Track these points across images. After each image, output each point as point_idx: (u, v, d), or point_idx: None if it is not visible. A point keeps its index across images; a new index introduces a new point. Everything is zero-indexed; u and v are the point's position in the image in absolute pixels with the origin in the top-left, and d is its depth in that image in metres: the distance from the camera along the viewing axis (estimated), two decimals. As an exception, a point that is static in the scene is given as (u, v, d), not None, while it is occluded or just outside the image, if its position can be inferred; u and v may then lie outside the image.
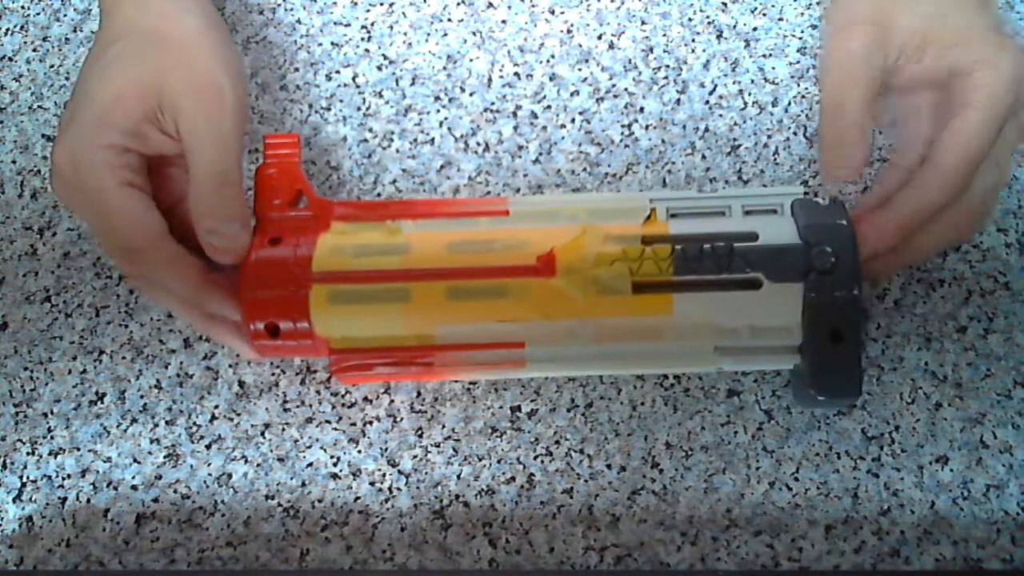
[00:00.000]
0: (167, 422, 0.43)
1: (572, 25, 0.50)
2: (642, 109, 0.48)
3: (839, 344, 0.37)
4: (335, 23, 0.51)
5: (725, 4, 0.50)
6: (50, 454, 0.43)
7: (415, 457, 0.42)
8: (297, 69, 0.50)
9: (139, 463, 0.43)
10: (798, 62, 0.49)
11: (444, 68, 0.49)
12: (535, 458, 0.42)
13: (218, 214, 0.40)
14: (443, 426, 0.43)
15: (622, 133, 0.47)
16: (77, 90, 0.41)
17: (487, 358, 0.40)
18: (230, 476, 0.42)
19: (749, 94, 0.48)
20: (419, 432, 0.43)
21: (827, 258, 0.37)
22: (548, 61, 0.49)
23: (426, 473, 0.42)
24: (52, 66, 0.51)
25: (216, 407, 0.44)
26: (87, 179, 0.40)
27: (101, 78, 0.41)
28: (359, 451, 0.43)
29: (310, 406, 0.43)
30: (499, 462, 0.42)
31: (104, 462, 0.43)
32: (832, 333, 0.37)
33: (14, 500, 0.43)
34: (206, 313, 0.41)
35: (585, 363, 0.41)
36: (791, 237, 0.38)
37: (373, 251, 0.40)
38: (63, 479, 0.43)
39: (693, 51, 0.49)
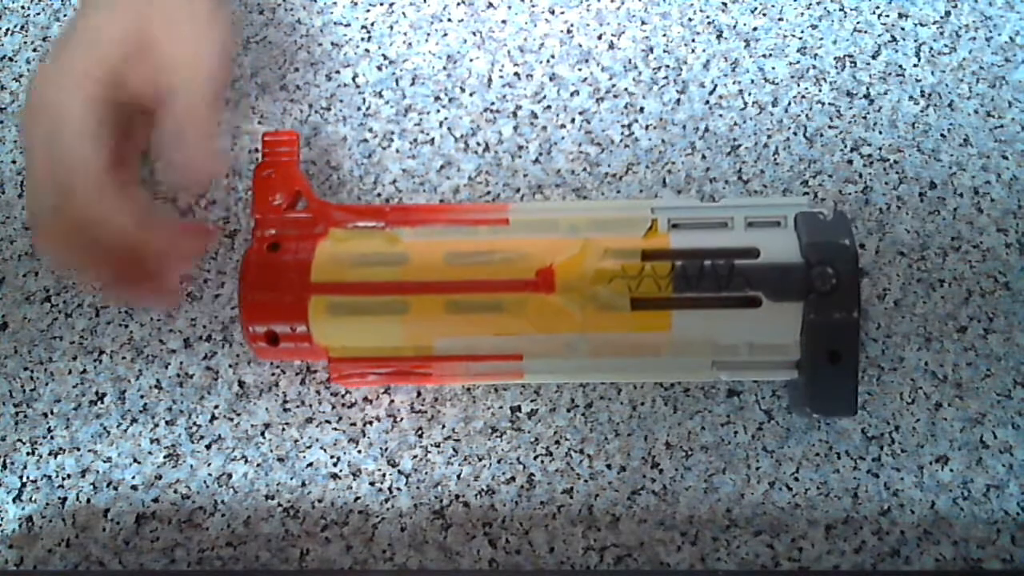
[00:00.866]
0: (167, 422, 0.43)
1: (572, 25, 0.50)
2: (642, 109, 0.48)
3: (837, 364, 0.37)
4: (335, 23, 0.51)
5: (725, 4, 0.50)
6: (50, 454, 0.43)
7: (415, 457, 0.42)
8: (297, 69, 0.50)
9: (139, 463, 0.43)
10: (798, 62, 0.49)
11: (444, 68, 0.49)
12: (535, 458, 0.42)
13: (185, 151, 0.41)
14: (443, 426, 0.43)
15: (622, 133, 0.47)
16: (62, 35, 0.42)
17: (485, 369, 0.40)
18: (230, 476, 0.42)
19: (749, 94, 0.48)
20: (419, 432, 0.43)
21: (828, 279, 0.37)
22: (548, 61, 0.49)
23: (426, 473, 0.42)
24: (52, 66, 0.51)
25: (216, 407, 0.44)
26: (54, 123, 0.39)
27: (85, 24, 0.41)
28: (359, 451, 0.43)
29: (310, 406, 0.43)
30: (499, 462, 0.42)
31: (104, 462, 0.43)
32: (830, 354, 0.37)
33: (14, 500, 0.43)
34: (130, 271, 0.41)
35: (582, 375, 0.41)
36: (793, 253, 0.38)
37: (372, 261, 0.40)
38: (63, 479, 0.43)
39: (693, 51, 0.49)
